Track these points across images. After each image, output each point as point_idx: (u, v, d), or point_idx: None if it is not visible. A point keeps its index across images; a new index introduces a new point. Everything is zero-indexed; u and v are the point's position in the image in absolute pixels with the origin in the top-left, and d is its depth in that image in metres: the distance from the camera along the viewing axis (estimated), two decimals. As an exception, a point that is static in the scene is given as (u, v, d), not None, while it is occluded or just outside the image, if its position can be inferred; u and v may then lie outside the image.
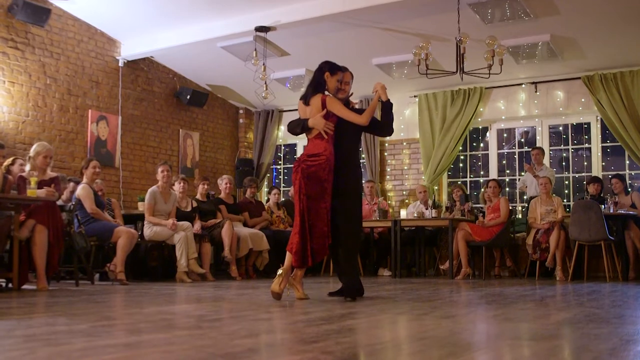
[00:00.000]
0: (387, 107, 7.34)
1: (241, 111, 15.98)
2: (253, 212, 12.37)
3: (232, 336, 3.92)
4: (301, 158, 6.81)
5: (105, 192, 11.25)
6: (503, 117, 13.61)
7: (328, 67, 7.01)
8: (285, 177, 16.19)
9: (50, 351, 3.26)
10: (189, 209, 11.11)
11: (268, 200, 13.65)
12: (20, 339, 3.77)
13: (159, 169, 10.66)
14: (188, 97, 13.90)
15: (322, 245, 6.70)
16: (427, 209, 12.52)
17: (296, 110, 15.30)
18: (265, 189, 15.68)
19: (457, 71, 10.24)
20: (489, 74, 10.12)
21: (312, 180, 6.67)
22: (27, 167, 8.69)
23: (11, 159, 9.33)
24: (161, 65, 13.71)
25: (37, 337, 3.80)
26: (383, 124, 7.44)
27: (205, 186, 11.90)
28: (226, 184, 12.09)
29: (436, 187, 13.80)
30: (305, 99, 6.96)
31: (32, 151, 8.82)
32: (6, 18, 11.07)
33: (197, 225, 10.83)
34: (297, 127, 6.98)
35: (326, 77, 6.98)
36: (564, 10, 10.35)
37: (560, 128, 13.35)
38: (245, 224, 11.95)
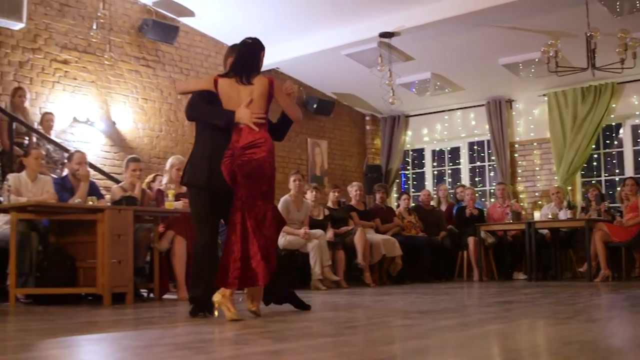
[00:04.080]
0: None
1: (367, 118, 16.01)
2: (384, 218, 12.34)
3: (376, 342, 3.91)
4: (232, 152, 5.45)
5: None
6: (637, 113, 13.17)
7: (262, 47, 5.91)
8: (415, 182, 16.11)
9: (201, 359, 3.32)
10: (321, 217, 11.16)
11: (398, 205, 13.61)
12: (170, 347, 3.86)
13: (292, 178, 10.75)
14: (315, 106, 14.02)
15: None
16: (560, 210, 12.24)
17: (422, 114, 15.36)
18: (394, 195, 15.64)
19: (588, 67, 9.98)
20: (622, 68, 9.82)
21: (255, 179, 5.44)
22: (164, 180, 8.91)
23: (152, 175, 9.61)
24: (287, 75, 13.86)
25: (186, 345, 3.88)
26: (282, 127, 6.20)
27: (336, 194, 11.94)
28: (356, 190, 12.11)
29: (570, 188, 13.47)
30: (243, 77, 5.56)
31: (167, 164, 9.04)
32: (137, 37, 11.45)
33: (330, 233, 10.87)
34: (215, 116, 5.69)
35: (261, 56, 5.87)
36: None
37: (700, 121, 12.84)
38: (377, 230, 11.93)
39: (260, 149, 5.47)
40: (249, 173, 5.40)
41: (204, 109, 5.73)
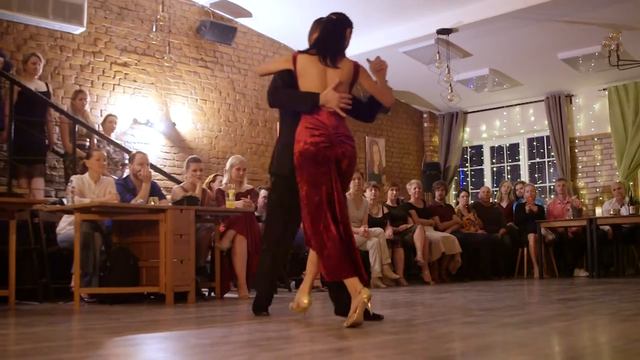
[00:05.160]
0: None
1: (425, 115, 15.95)
2: (443, 215, 12.28)
3: (443, 340, 3.91)
4: (332, 132, 4.91)
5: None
6: (701, 105, 12.94)
7: (349, 23, 5.37)
8: (473, 180, 16.01)
9: (268, 356, 3.35)
10: (380, 215, 11.15)
11: (457, 203, 13.54)
12: (237, 344, 3.90)
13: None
14: (372, 104, 13.99)
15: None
16: (622, 205, 12.07)
17: (480, 111, 15.26)
18: (453, 192, 15.56)
19: (651, 60, 9.85)
20: (686, 60, 9.67)
21: (348, 174, 5.04)
22: (224, 180, 8.99)
23: (212, 175, 9.69)
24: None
25: (253, 342, 3.92)
26: (373, 110, 5.60)
27: (395, 192, 11.91)
28: (415, 188, 12.07)
29: (631, 183, 13.26)
30: (327, 57, 5.07)
31: (227, 164, 9.11)
32: (195, 39, 11.56)
33: (389, 230, 10.85)
34: (298, 101, 5.10)
35: (347, 35, 5.32)
36: None
37: None
38: (436, 228, 11.89)
39: (353, 141, 5.06)
40: (351, 163, 4.97)
41: (286, 93, 5.17)
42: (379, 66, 5.20)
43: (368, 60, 5.22)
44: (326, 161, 4.84)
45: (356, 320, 4.46)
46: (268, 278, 5.63)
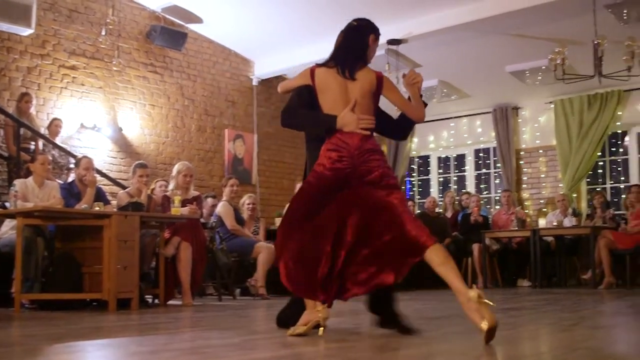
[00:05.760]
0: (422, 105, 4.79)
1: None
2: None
3: (382, 349, 3.92)
4: (355, 153, 4.39)
5: (257, 208, 11.32)
6: (643, 120, 13.19)
7: (373, 29, 4.80)
8: (420, 189, 16.10)
9: (209, 364, 3.35)
10: (327, 223, 11.18)
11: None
12: (178, 352, 3.88)
13: (298, 185, 10.76)
14: (321, 112, 14.01)
15: None
16: (565, 217, 12.25)
17: (428, 121, 15.36)
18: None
19: (594, 75, 10.00)
20: (629, 76, 9.84)
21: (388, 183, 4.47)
22: (171, 186, 8.95)
23: (154, 181, 9.64)
24: (294, 82, 13.87)
25: (194, 350, 3.90)
26: (405, 126, 5.13)
27: (341, 200, 11.94)
28: (362, 197, 12.10)
29: (575, 195, 13.46)
30: (345, 69, 4.55)
31: (173, 170, 9.08)
32: (145, 44, 11.49)
33: (335, 239, 10.88)
34: (312, 123, 4.69)
35: (370, 42, 4.75)
36: None
37: None
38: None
39: (382, 154, 4.55)
40: (384, 174, 4.43)
41: (301, 115, 4.68)
42: (413, 79, 4.65)
43: (403, 75, 4.74)
44: (339, 188, 4.40)
45: (302, 332, 4.35)
46: None
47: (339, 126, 4.39)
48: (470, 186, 15.15)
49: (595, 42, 9.81)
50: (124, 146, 11.21)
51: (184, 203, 8.50)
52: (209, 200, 10.41)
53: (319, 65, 4.63)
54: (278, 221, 11.39)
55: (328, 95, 4.51)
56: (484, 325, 3.80)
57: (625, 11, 10.12)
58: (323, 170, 4.41)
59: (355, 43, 4.69)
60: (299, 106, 4.65)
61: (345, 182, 4.39)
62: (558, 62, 10.01)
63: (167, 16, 11.68)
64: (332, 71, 4.55)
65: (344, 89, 4.50)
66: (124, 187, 9.56)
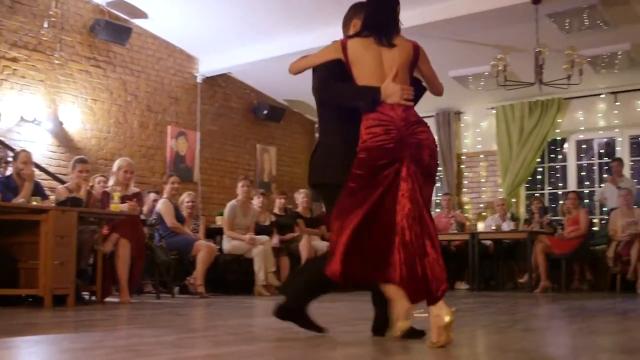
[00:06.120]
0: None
1: (317, 125, 16.00)
2: (330, 225, 12.39)
3: (316, 348, 3.95)
4: (401, 125, 4.14)
5: (196, 206, 11.26)
6: (582, 128, 13.39)
7: (398, 1, 4.50)
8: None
9: (141, 362, 3.34)
10: (268, 223, 11.20)
11: (345, 213, 13.64)
12: (110, 349, 3.86)
13: (240, 184, 10.77)
14: (265, 112, 14.02)
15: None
16: (504, 221, 12.41)
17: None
18: (341, 203, 15.66)
19: (535, 82, 10.15)
20: (568, 84, 10.00)
21: (432, 166, 4.23)
22: (111, 182, 8.87)
23: (92, 177, 9.54)
24: (238, 81, 13.86)
25: (128, 347, 3.88)
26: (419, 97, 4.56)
27: (283, 200, 11.98)
28: (303, 198, 12.14)
29: (514, 200, 13.65)
30: (383, 37, 4.31)
31: (114, 166, 9.01)
32: (89, 37, 11.35)
33: (276, 239, 10.91)
34: (356, 96, 4.32)
35: (397, 12, 4.46)
36: (644, 18, 10.19)
37: (642, 139, 13.11)
38: (323, 238, 11.98)
39: (428, 126, 4.31)
40: (432, 154, 4.22)
41: (341, 88, 4.37)
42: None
43: None
44: (390, 164, 4.08)
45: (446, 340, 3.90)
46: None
47: (383, 97, 4.14)
48: (412, 189, 15.22)
49: (537, 50, 9.97)
50: (65, 140, 11.06)
51: (123, 199, 8.43)
52: (152, 195, 10.36)
53: (349, 37, 4.41)
54: (219, 219, 11.41)
55: (363, 67, 4.28)
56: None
57: (567, 21, 10.29)
58: (368, 149, 4.12)
59: (387, 10, 4.40)
60: (333, 80, 4.38)
61: (395, 157, 4.08)
62: (500, 68, 10.15)
63: (112, 10, 11.54)
64: (367, 41, 4.29)
65: (380, 59, 4.27)
66: (63, 182, 9.44)
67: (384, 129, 4.09)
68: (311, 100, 13.96)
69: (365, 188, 4.09)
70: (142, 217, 9.44)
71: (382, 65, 4.25)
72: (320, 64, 4.44)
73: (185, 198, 10.61)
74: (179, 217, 10.06)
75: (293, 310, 4.51)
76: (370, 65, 4.25)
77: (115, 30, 11.34)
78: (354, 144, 4.20)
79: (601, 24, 10.30)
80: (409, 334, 4.18)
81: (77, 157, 9.02)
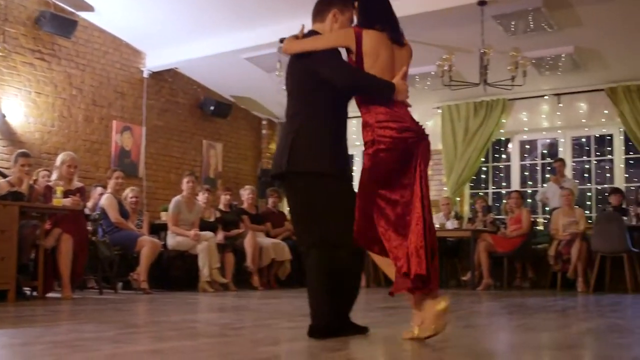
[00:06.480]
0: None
1: (264, 122, 16.01)
2: (275, 222, 12.41)
3: (257, 344, 3.96)
4: (415, 124, 4.27)
5: (140, 201, 11.18)
6: (525, 129, 13.58)
7: None
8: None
9: (78, 357, 3.32)
10: (212, 219, 11.18)
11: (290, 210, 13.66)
12: (49, 345, 3.83)
13: (185, 179, 10.72)
14: (212, 108, 13.97)
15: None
16: (448, 219, 12.53)
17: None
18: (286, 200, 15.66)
19: (480, 83, 10.26)
20: (512, 85, 10.13)
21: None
22: (54, 177, 8.78)
23: (36, 171, 9.43)
24: (185, 76, 13.79)
25: (66, 343, 3.86)
26: None
27: (228, 196, 11.96)
28: (249, 194, 12.14)
29: (458, 198, 13.78)
30: (397, 36, 4.40)
31: (57, 160, 8.91)
32: (33, 30, 11.19)
33: (220, 235, 10.89)
34: (379, 87, 4.24)
35: None
36: (587, 22, 10.34)
37: (583, 140, 13.32)
38: (267, 235, 12.00)
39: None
40: (427, 161, 4.27)
41: (369, 76, 4.23)
42: None
43: None
44: (405, 161, 4.17)
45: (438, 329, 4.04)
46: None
47: (397, 92, 4.20)
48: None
49: (482, 51, 10.08)
50: (7, 134, 10.91)
51: (66, 194, 8.35)
52: (98, 190, 10.29)
53: (361, 28, 4.31)
54: (164, 215, 11.37)
55: (378, 62, 4.27)
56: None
57: (512, 23, 10.41)
58: (389, 142, 4.15)
59: (388, 4, 4.43)
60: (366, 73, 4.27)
61: (410, 155, 4.16)
62: (445, 68, 10.24)
63: (57, 2, 11.40)
64: (382, 36, 4.29)
65: (393, 56, 4.32)
66: (5, 176, 9.30)
67: (401, 125, 4.16)
68: (258, 97, 13.95)
69: (386, 181, 4.19)
70: (87, 211, 9.36)
71: (394, 63, 4.30)
72: (327, 48, 4.33)
73: (128, 193, 10.54)
74: (123, 213, 9.99)
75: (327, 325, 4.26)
76: (384, 60, 4.27)
77: (61, 23, 11.19)
78: (341, 136, 4.39)
79: (546, 27, 10.44)
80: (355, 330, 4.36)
81: (20, 150, 8.91)
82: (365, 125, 4.28)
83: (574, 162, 13.34)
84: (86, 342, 3.88)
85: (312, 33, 4.49)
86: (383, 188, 4.19)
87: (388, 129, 4.15)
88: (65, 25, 11.23)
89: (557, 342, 4.32)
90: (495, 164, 14.20)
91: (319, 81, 4.33)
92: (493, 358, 3.65)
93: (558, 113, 13.10)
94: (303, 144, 4.32)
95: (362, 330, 4.45)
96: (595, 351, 3.95)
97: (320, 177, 4.29)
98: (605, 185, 12.93)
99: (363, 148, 4.31)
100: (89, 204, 9.90)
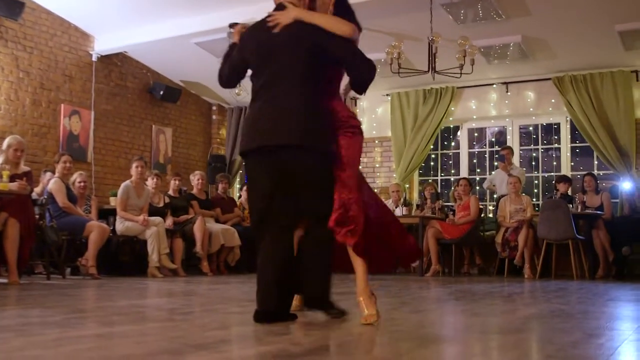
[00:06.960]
0: None
1: (214, 108, 15.97)
2: (225, 208, 12.41)
3: (204, 328, 3.98)
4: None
5: (87, 186, 11.07)
6: (474, 117, 13.74)
7: None
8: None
9: (23, 341, 3.31)
10: (161, 204, 11.14)
11: (240, 196, 13.67)
12: (-7, 329, 3.81)
13: (134, 164, 10.67)
14: (161, 92, 13.89)
15: None
16: (397, 206, 12.62)
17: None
18: (237, 185, 15.68)
19: (429, 70, 10.35)
20: (461, 73, 10.23)
21: None
22: (0, 160, 8.67)
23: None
24: (135, 60, 13.68)
25: (10, 328, 3.84)
26: None
27: (177, 182, 11.93)
28: (198, 179, 12.12)
29: (407, 185, 13.89)
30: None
31: (4, 144, 8.80)
32: (-21, 11, 11.03)
33: (169, 220, 10.86)
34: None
35: None
36: (535, 12, 10.47)
37: (531, 128, 13.51)
38: (217, 220, 11.99)
39: None
40: None
41: None
42: None
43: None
44: None
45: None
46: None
47: None
48: (308, 173, 15.31)
49: (430, 39, 10.16)
50: (-48, 117, 10.78)
51: (13, 178, 8.26)
52: (48, 175, 10.21)
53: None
54: (112, 200, 11.30)
55: None
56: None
57: (462, 11, 10.50)
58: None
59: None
60: None
61: None
62: (394, 56, 10.30)
63: (4, -16, 11.27)
64: None
65: None
66: (-51, 160, 9.19)
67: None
68: (208, 82, 13.93)
69: None
70: (35, 196, 9.27)
71: None
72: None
73: (76, 178, 10.46)
74: (71, 197, 9.91)
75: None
76: None
77: (8, 5, 11.03)
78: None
79: (494, 16, 10.55)
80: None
81: (-35, 134, 8.80)
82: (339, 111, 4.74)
83: (521, 150, 13.53)
84: (31, 327, 3.87)
85: (281, 7, 4.54)
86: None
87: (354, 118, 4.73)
88: (13, 6, 11.07)
89: (502, 327, 4.39)
90: (444, 151, 14.35)
91: (327, 61, 4.47)
92: (438, 342, 3.71)
93: (506, 101, 13.27)
94: (318, 120, 4.46)
95: (338, 315, 4.57)
96: (537, 335, 4.03)
97: (326, 155, 4.47)
98: (552, 173, 13.13)
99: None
100: (38, 189, 9.82)
